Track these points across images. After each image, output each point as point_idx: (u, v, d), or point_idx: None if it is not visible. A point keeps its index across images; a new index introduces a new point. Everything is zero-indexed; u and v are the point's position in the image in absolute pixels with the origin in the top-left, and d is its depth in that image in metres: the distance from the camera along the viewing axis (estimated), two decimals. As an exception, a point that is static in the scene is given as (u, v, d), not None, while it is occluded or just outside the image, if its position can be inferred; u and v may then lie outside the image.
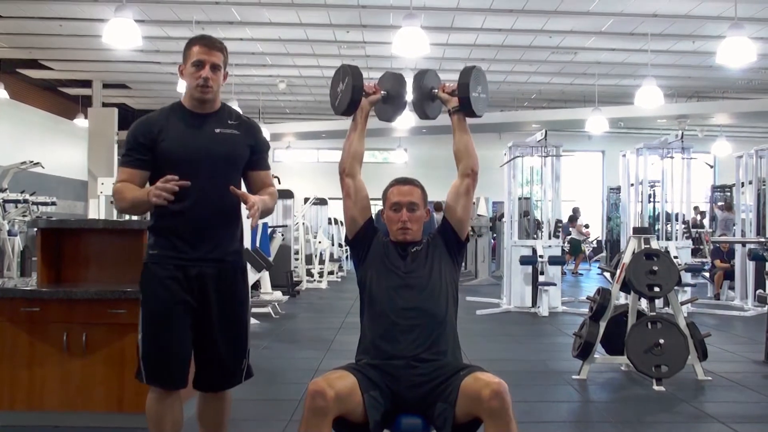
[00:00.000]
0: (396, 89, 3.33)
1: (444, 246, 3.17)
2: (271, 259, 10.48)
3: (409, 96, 3.37)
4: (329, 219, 18.56)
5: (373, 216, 3.27)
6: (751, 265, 11.02)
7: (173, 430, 3.12)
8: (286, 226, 14.18)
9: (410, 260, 3.12)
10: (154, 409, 3.11)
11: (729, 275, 12.22)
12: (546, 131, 11.58)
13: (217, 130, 3.15)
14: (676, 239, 11.40)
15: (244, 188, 3.25)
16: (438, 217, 15.12)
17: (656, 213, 12.40)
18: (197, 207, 3.08)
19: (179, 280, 3.07)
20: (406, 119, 15.98)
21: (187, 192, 3.04)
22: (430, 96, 3.33)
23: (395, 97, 3.33)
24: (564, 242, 15.99)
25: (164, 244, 3.11)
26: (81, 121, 18.94)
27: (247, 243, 8.83)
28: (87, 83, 18.66)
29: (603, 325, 6.05)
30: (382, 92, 3.27)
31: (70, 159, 18.01)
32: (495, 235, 17.44)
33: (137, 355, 3.12)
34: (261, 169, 3.29)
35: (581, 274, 19.42)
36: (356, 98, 3.17)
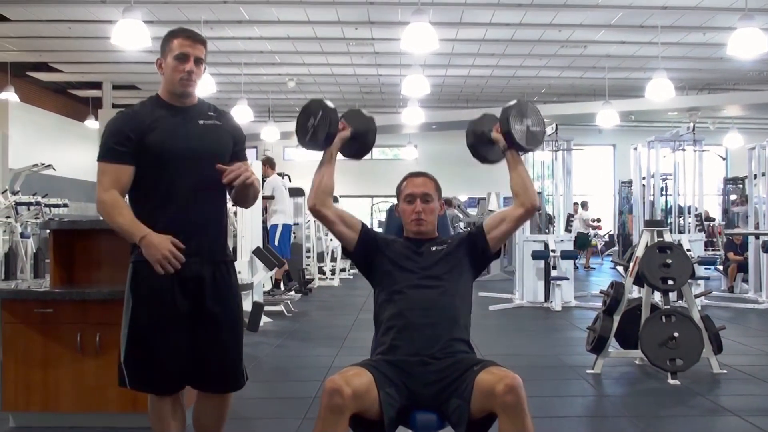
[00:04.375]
0: (364, 128, 3.27)
1: (468, 252, 3.16)
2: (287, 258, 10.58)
3: (379, 137, 3.28)
4: (340, 216, 18.53)
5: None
6: (764, 257, 10.97)
7: (176, 429, 3.09)
8: (298, 224, 14.19)
9: (426, 257, 3.11)
10: (153, 410, 3.07)
11: (743, 268, 12.16)
12: (556, 125, 11.56)
13: (201, 122, 3.09)
14: (689, 232, 11.36)
15: None
16: (449, 212, 15.13)
17: (668, 206, 12.35)
18: (186, 200, 3.01)
19: (173, 288, 2.96)
20: (416, 115, 15.97)
21: (175, 185, 2.99)
22: (487, 140, 3.23)
23: (363, 136, 3.26)
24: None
25: None
26: (92, 123, 19.03)
27: (258, 241, 8.88)
28: (97, 85, 18.73)
29: (617, 319, 6.03)
30: (350, 130, 3.22)
31: (82, 161, 18.00)
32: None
33: (118, 360, 3.03)
34: (241, 159, 3.19)
35: (593, 269, 19.27)
36: (332, 132, 3.14)
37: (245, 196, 3.16)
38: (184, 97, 3.09)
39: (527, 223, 11.27)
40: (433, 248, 3.15)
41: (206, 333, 3.03)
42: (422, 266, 3.09)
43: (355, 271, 17.91)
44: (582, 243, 18.86)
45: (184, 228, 2.99)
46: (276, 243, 10.78)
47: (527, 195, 3.14)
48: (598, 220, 22.17)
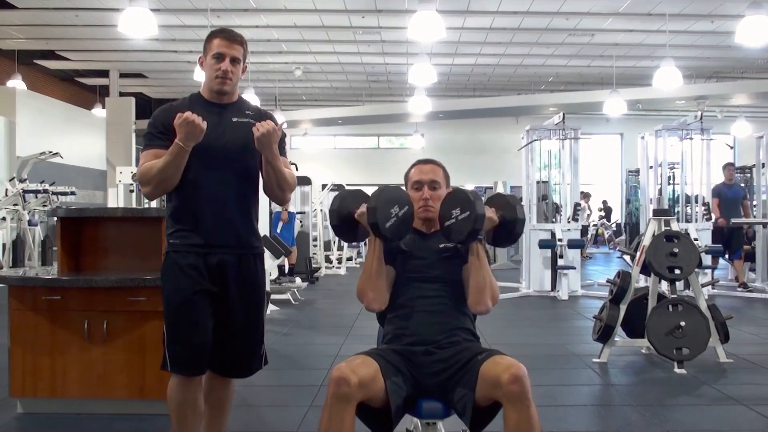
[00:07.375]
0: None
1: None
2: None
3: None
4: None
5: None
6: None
7: (194, 416, 3.13)
8: (305, 212, 14.21)
9: (434, 250, 3.10)
10: (176, 395, 3.12)
11: (750, 257, 12.12)
12: (564, 114, 11.52)
13: (235, 119, 3.18)
14: (696, 221, 11.33)
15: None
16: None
17: (676, 195, 12.31)
18: (216, 194, 3.12)
19: (199, 268, 3.08)
20: (423, 104, 15.95)
21: (206, 179, 3.10)
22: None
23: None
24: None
25: (184, 233, 3.13)
26: (99, 111, 19.04)
27: (265, 230, 8.89)
28: (104, 73, 18.74)
29: (623, 308, 6.03)
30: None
31: (89, 149, 18.09)
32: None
33: (162, 345, 3.13)
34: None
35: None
36: (405, 231, 3.03)
37: (269, 176, 3.16)
38: (221, 95, 3.20)
39: (534, 212, 11.27)
40: (441, 245, 3.14)
41: (228, 319, 3.15)
42: (427, 257, 3.09)
43: (362, 259, 17.92)
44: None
45: (212, 219, 3.12)
46: (278, 230, 10.83)
47: (479, 297, 2.98)
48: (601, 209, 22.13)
